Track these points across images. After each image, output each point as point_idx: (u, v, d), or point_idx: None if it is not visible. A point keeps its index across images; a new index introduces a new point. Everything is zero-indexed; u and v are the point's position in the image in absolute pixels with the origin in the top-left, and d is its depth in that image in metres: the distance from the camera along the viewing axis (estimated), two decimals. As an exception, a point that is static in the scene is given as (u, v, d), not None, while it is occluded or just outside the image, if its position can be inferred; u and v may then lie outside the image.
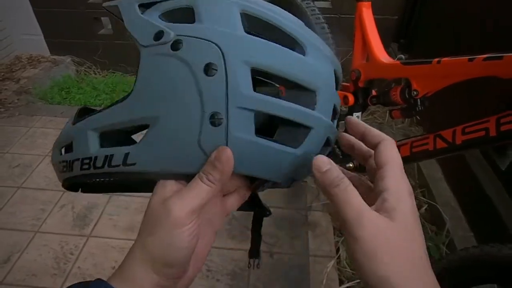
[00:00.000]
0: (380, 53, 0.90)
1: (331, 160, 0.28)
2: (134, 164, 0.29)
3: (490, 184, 1.21)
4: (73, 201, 1.50)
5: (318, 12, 1.12)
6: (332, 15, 2.04)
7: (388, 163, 0.28)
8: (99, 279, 0.29)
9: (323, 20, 1.12)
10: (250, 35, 0.28)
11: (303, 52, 0.29)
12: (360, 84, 0.97)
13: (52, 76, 2.35)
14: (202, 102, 0.27)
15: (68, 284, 1.17)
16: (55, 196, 1.52)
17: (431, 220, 1.38)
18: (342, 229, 0.27)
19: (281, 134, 0.29)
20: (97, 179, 0.33)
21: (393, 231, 0.25)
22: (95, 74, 2.48)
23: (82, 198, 1.51)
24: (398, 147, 0.86)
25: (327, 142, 0.33)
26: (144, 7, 0.31)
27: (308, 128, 0.29)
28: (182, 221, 0.28)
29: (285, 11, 0.31)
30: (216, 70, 0.26)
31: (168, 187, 0.30)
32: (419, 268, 0.25)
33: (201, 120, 0.27)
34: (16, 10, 2.39)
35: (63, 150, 0.35)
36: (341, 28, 1.81)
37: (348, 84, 1.06)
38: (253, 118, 0.27)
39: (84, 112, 0.34)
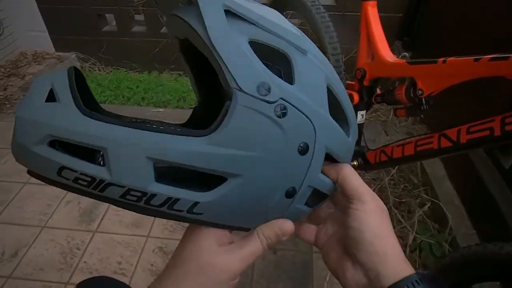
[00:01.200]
0: (386, 52, 0.90)
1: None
2: (201, 213, 0.27)
3: (493, 182, 1.21)
4: (79, 197, 1.51)
5: (323, 11, 1.12)
6: (336, 13, 2.04)
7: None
8: None
9: (328, 19, 1.12)
10: (332, 119, 0.29)
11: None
12: (365, 83, 0.97)
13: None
14: (285, 176, 0.28)
15: (75, 278, 1.19)
16: (61, 192, 1.53)
17: (434, 218, 1.39)
18: None
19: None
20: (134, 208, 0.27)
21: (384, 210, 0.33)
22: (100, 70, 2.49)
23: (88, 194, 1.52)
24: (403, 145, 0.87)
25: None
26: (229, 14, 0.26)
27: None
28: (235, 275, 0.28)
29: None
30: (307, 151, 0.28)
31: (211, 233, 0.29)
32: (394, 234, 0.32)
33: (279, 190, 0.28)
34: (21, 7, 2.40)
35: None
36: (345, 25, 1.81)
37: (353, 83, 1.06)
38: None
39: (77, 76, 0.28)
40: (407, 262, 0.30)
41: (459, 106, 1.33)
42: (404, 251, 1.26)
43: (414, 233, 1.30)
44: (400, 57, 0.90)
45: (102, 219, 1.42)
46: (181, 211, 0.27)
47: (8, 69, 2.41)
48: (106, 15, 2.39)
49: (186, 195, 0.26)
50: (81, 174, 0.25)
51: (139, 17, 2.36)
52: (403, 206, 1.45)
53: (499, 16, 1.27)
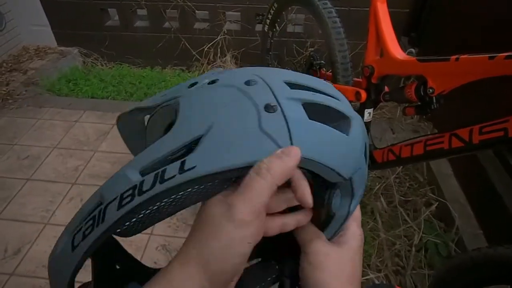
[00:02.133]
0: (395, 49, 0.88)
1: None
2: (194, 167, 0.26)
3: (500, 181, 1.20)
4: (81, 194, 1.51)
5: (330, 6, 1.10)
6: (342, 8, 2.01)
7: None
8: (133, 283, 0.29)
9: (335, 15, 1.10)
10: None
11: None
12: (373, 80, 0.95)
13: (60, 68, 2.35)
14: (252, 100, 0.28)
15: (78, 276, 1.18)
16: (64, 189, 1.53)
17: (440, 217, 1.37)
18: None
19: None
20: (133, 219, 0.27)
21: (341, 254, 0.31)
22: (102, 65, 2.48)
23: (91, 191, 1.51)
24: (412, 145, 0.86)
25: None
26: None
27: (348, 118, 0.30)
28: (246, 222, 0.25)
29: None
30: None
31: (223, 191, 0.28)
32: (349, 282, 0.30)
33: (257, 111, 0.27)
34: (24, 1, 2.38)
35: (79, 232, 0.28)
36: (351, 21, 1.79)
37: (360, 80, 1.04)
38: (302, 107, 0.28)
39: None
40: None
41: (467, 104, 1.30)
42: (410, 251, 1.25)
43: (421, 232, 1.29)
44: (406, 53, 0.88)
45: (105, 216, 1.41)
46: (173, 176, 0.26)
47: (10, 64, 2.40)
48: (109, 9, 2.37)
49: (169, 165, 0.26)
50: None
51: (142, 12, 2.33)
52: (408, 204, 1.44)
53: (507, 12, 1.24)
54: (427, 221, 1.34)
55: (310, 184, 0.28)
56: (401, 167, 1.55)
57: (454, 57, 0.70)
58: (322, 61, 1.34)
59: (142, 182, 0.26)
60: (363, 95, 0.97)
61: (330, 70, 1.16)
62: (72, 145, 1.76)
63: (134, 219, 0.26)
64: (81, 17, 2.33)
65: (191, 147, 0.27)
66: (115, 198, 0.26)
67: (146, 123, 0.38)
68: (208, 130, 0.27)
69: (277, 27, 1.61)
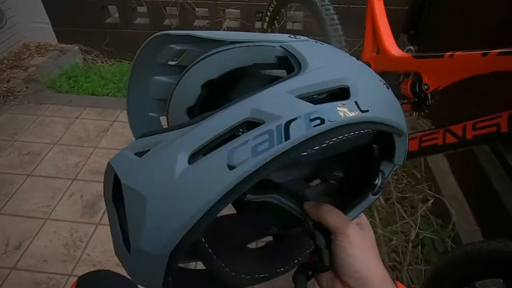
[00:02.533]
0: (391, 46, 0.89)
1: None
2: (367, 110, 0.26)
3: (498, 178, 1.20)
4: (82, 190, 1.52)
5: (328, 3, 1.11)
6: (341, 5, 2.01)
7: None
8: None
9: (333, 12, 1.10)
10: None
11: None
12: (370, 77, 0.96)
13: (60, 65, 2.36)
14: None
15: (78, 270, 1.20)
16: (64, 184, 1.54)
17: (437, 213, 1.38)
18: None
19: None
20: (317, 146, 0.25)
21: (366, 238, 0.37)
22: (102, 62, 2.49)
23: (91, 187, 1.53)
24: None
25: None
26: None
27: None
28: None
29: None
30: None
31: None
32: (378, 258, 0.36)
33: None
34: (24, -2, 2.39)
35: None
36: (350, 18, 1.79)
37: (357, 77, 1.05)
38: None
39: None
40: (392, 283, 0.35)
41: (464, 101, 1.31)
42: (406, 247, 1.26)
43: (417, 228, 1.30)
44: (405, 50, 0.89)
45: (104, 212, 1.42)
46: (354, 114, 0.26)
47: (11, 61, 2.41)
48: (109, 7, 2.37)
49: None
50: None
51: (142, 9, 2.34)
52: (406, 201, 1.45)
53: (509, 10, 1.25)
54: (424, 218, 1.36)
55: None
56: (399, 164, 1.56)
57: (448, 53, 0.71)
58: (320, 58, 1.35)
59: (327, 109, 0.25)
60: (360, 91, 0.97)
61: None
62: (72, 141, 1.78)
63: (317, 148, 0.25)
64: (81, 14, 2.34)
65: (332, 92, 0.27)
66: (296, 118, 0.24)
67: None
68: (347, 80, 0.28)
69: (276, 25, 1.62)
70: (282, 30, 2.11)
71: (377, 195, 0.38)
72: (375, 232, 1.31)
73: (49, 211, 1.43)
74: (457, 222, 1.27)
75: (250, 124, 0.25)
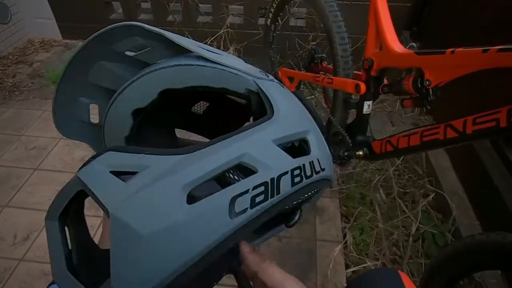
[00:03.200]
0: (394, 42, 0.90)
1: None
2: (324, 169, 0.31)
3: (498, 174, 1.22)
4: (87, 183, 1.54)
5: (336, 9, 1.12)
6: (345, 2, 2.02)
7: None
8: None
9: (336, 8, 1.12)
10: None
11: None
12: (373, 73, 0.97)
13: (65, 60, 2.37)
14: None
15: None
16: (70, 178, 1.56)
17: (437, 208, 1.40)
18: None
19: None
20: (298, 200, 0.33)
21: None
22: (106, 58, 2.50)
23: (97, 181, 1.55)
24: (409, 136, 0.88)
25: None
26: None
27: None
28: None
29: None
30: None
31: None
32: None
33: None
34: (29, -6, 2.40)
35: None
36: (353, 14, 1.80)
37: (360, 73, 1.06)
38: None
39: None
40: None
41: (466, 97, 1.32)
42: (407, 241, 1.28)
43: (418, 223, 1.32)
44: (407, 47, 0.90)
45: (110, 205, 1.45)
46: (318, 172, 0.30)
47: (16, 56, 2.43)
48: (113, 2, 2.39)
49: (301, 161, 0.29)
50: None
51: (146, 5, 2.35)
52: (407, 196, 1.47)
53: (509, 7, 1.26)
54: (425, 212, 1.37)
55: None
56: (401, 159, 1.58)
57: (449, 50, 0.73)
58: (323, 55, 1.36)
59: (304, 166, 0.29)
60: (363, 87, 0.99)
61: (332, 64, 1.19)
62: (77, 136, 1.80)
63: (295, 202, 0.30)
64: (85, 10, 2.35)
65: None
66: (286, 172, 0.27)
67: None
68: (307, 133, 0.31)
69: (280, 21, 1.63)
70: (285, 27, 2.12)
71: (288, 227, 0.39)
72: (376, 226, 1.34)
73: (56, 204, 1.46)
74: (458, 217, 1.29)
75: (241, 167, 0.26)
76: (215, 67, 0.34)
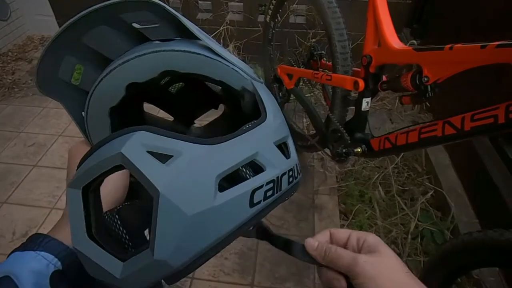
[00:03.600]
0: (392, 39, 0.90)
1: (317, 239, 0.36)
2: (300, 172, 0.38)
3: (497, 171, 1.21)
4: (86, 180, 1.55)
5: (336, 5, 1.12)
6: (344, -1, 2.01)
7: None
8: (36, 234, 0.34)
9: (335, 5, 1.11)
10: None
11: None
12: (371, 70, 0.97)
13: (64, 57, 2.37)
14: None
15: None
16: (69, 175, 1.56)
17: (436, 206, 1.40)
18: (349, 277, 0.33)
19: None
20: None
21: (381, 261, 0.32)
22: (106, 55, 2.50)
23: (95, 177, 1.55)
24: (407, 133, 0.88)
25: None
26: None
27: None
28: None
29: None
30: None
31: None
32: (409, 278, 0.31)
33: None
34: (28, -10, 2.40)
35: None
36: (352, 12, 1.79)
37: (359, 70, 1.06)
38: None
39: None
40: None
41: (465, 94, 1.32)
42: (406, 238, 1.28)
43: (416, 220, 1.31)
44: (408, 44, 0.90)
45: (109, 202, 1.45)
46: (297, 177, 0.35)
47: (15, 53, 2.43)
48: (113, -1, 2.38)
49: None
50: None
51: (145, 2, 2.35)
52: (406, 194, 1.46)
53: (509, 6, 1.25)
54: (424, 210, 1.37)
55: None
56: (400, 157, 1.58)
57: (448, 46, 0.72)
58: (322, 52, 1.35)
59: (294, 167, 0.34)
60: (361, 84, 0.98)
61: (331, 61, 1.18)
62: (77, 133, 1.78)
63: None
64: (85, 7, 2.33)
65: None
66: (285, 173, 0.32)
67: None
68: (287, 138, 0.36)
69: (279, 18, 1.62)
70: (285, 24, 2.12)
71: None
72: (375, 224, 1.33)
73: (55, 201, 1.46)
74: (456, 215, 1.29)
75: (251, 163, 0.31)
76: (220, 61, 0.36)
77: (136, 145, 0.27)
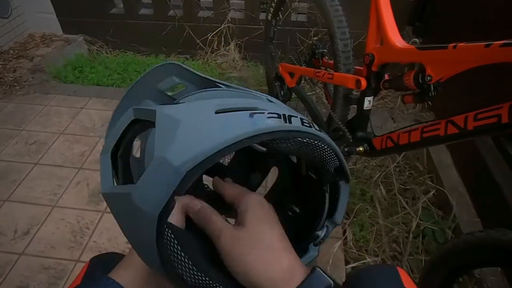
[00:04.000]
0: (395, 37, 0.89)
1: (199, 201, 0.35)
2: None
3: (499, 171, 1.21)
4: (87, 178, 1.55)
5: (338, 3, 1.11)
6: (347, -3, 2.00)
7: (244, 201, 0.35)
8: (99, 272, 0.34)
9: (337, 3, 1.11)
10: None
11: None
12: (374, 68, 0.97)
13: (65, 55, 2.37)
14: None
15: (85, 256, 1.23)
16: (70, 173, 1.57)
17: (438, 205, 1.40)
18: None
19: None
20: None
21: (245, 233, 0.32)
22: (107, 53, 2.50)
23: (97, 176, 1.55)
24: (409, 132, 0.87)
25: None
26: None
27: None
28: None
29: None
30: None
31: None
32: (275, 252, 0.31)
33: None
34: (29, -12, 2.39)
35: None
36: (355, 10, 1.78)
37: (361, 68, 1.06)
38: None
39: None
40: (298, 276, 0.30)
41: (467, 93, 1.31)
42: (407, 237, 1.28)
43: (418, 219, 1.31)
44: (410, 43, 0.89)
45: (110, 200, 1.45)
46: (310, 125, 0.32)
47: (16, 51, 2.43)
48: (113, -3, 2.38)
49: None
50: None
51: (147, 0, 2.34)
52: (408, 193, 1.46)
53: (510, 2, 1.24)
54: (425, 209, 1.37)
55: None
56: (402, 156, 1.57)
57: (451, 45, 0.72)
58: (324, 50, 1.35)
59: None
60: (363, 83, 0.98)
61: (333, 59, 1.18)
62: (78, 131, 1.80)
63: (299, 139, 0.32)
64: (86, 4, 2.34)
65: None
66: (295, 116, 0.32)
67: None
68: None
69: (281, 16, 1.62)
70: (286, 22, 2.11)
71: (316, 253, 0.40)
72: (376, 223, 1.33)
73: (56, 199, 1.46)
74: (458, 214, 1.29)
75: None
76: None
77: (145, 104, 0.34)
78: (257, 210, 0.34)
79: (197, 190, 0.45)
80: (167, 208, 0.26)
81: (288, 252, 0.32)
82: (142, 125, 0.31)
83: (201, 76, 0.38)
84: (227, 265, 0.31)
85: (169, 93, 0.40)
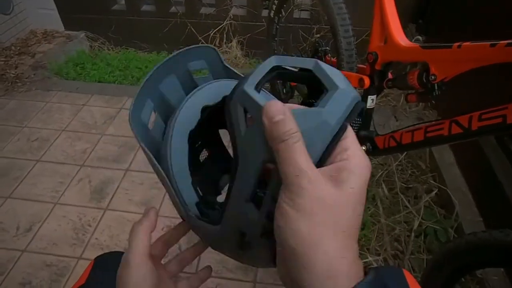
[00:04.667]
0: (399, 36, 0.88)
1: (288, 110, 0.23)
2: None
3: (502, 170, 1.20)
4: (89, 175, 1.55)
5: (341, 1, 1.10)
6: (349, -6, 1.99)
7: (350, 137, 0.24)
8: None
9: (345, 11, 1.10)
10: None
11: None
12: (377, 67, 0.96)
13: (67, 51, 2.37)
14: None
15: (87, 253, 1.23)
16: (72, 170, 1.57)
17: (440, 204, 1.39)
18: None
19: None
20: None
21: (338, 194, 0.22)
22: (109, 50, 2.49)
23: (99, 173, 1.56)
24: (412, 131, 0.87)
25: None
26: None
27: None
28: None
29: None
30: None
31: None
32: (351, 238, 0.23)
33: None
34: (31, -16, 2.38)
35: None
36: (358, 7, 1.77)
37: (364, 66, 1.05)
38: None
39: None
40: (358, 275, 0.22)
41: (471, 92, 1.30)
42: (409, 236, 1.28)
43: (420, 218, 1.31)
44: (413, 40, 0.89)
45: (112, 197, 1.45)
46: None
47: (18, 47, 2.42)
48: (115, -7, 2.37)
49: None
50: None
51: (148, -4, 2.33)
52: (410, 191, 1.46)
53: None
54: (428, 208, 1.37)
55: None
56: (404, 154, 1.57)
57: (456, 44, 0.71)
58: (327, 48, 1.34)
59: None
60: (366, 81, 0.97)
61: (336, 57, 1.17)
62: (80, 128, 1.80)
63: None
64: (87, 1, 2.33)
65: None
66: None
67: None
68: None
69: (283, 13, 1.61)
70: (289, 19, 2.10)
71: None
72: (378, 222, 1.33)
73: (58, 196, 1.46)
74: (460, 213, 1.28)
75: None
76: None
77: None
78: (364, 183, 0.23)
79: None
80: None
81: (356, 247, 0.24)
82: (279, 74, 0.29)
83: (230, 69, 0.40)
84: (285, 217, 0.22)
85: (195, 76, 0.41)
